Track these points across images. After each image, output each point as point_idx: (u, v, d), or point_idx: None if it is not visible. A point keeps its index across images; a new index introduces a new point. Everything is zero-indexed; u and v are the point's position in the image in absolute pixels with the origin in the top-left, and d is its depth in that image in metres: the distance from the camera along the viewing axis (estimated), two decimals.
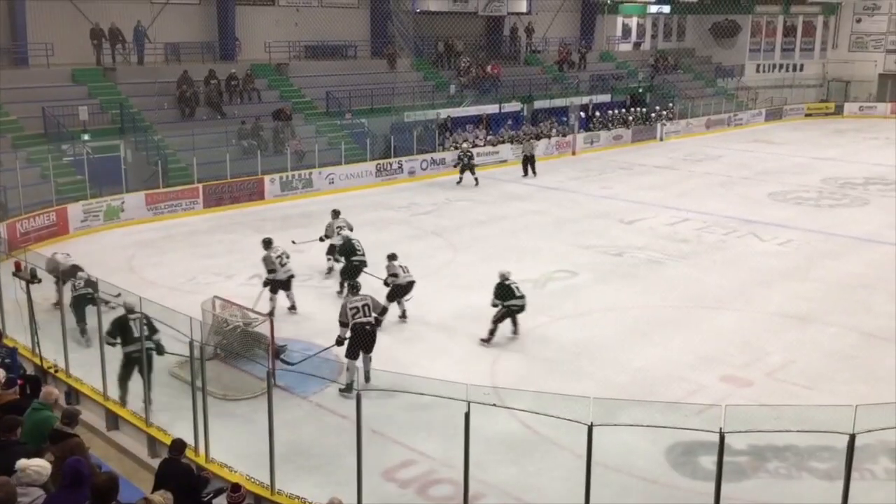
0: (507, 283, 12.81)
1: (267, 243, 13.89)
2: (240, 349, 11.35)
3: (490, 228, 20.07)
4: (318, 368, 11.14)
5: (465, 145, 27.24)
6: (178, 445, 7.58)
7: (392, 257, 13.78)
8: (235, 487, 6.96)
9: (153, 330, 9.98)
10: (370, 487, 8.00)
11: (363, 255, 14.68)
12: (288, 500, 8.25)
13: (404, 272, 13.55)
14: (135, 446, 9.76)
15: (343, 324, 11.10)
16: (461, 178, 25.86)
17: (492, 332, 12.57)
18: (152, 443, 9.56)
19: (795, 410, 7.70)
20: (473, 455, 7.24)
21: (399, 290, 13.50)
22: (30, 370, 10.81)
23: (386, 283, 13.49)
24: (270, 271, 13.52)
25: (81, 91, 23.52)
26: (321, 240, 16.23)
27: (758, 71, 45.09)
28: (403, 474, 9.02)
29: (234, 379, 10.97)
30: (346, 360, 10.99)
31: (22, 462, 5.72)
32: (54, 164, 19.69)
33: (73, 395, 10.70)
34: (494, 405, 7.27)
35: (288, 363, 10.63)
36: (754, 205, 22.64)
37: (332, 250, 15.76)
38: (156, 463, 8.77)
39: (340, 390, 10.55)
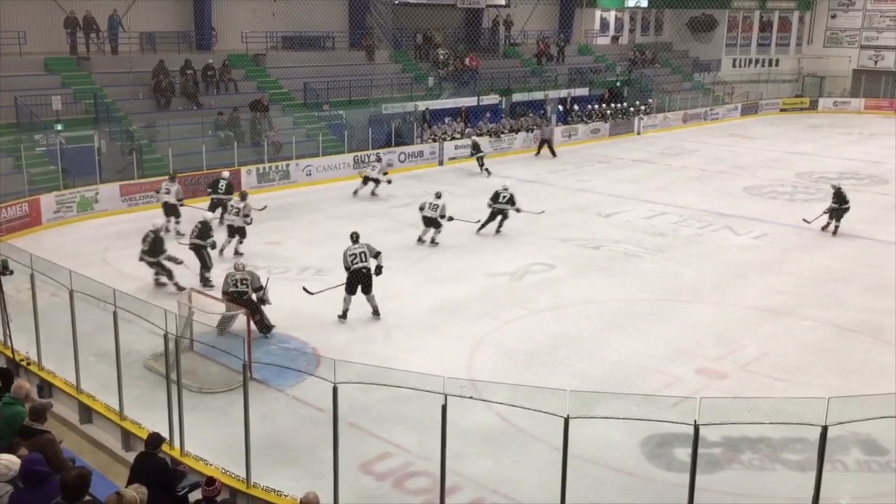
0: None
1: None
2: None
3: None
4: (295, 361, 11.11)
5: (474, 138, 27.51)
6: (155, 440, 7.52)
7: (354, 238, 13.69)
8: (210, 481, 6.92)
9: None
10: (347, 480, 7.99)
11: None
12: (264, 493, 8.22)
13: (361, 259, 13.30)
14: (108, 440, 9.68)
15: (346, 268, 13.11)
16: (484, 169, 26.33)
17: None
18: (126, 436, 9.49)
19: (769, 403, 7.78)
20: (450, 448, 7.25)
21: (351, 280, 13.36)
22: (1, 363, 10.69)
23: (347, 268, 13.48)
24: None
25: (55, 80, 23.20)
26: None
27: (734, 66, 45.41)
28: (380, 467, 9.01)
29: (209, 372, 10.89)
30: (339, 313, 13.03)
31: None
32: (27, 155, 19.40)
33: (45, 388, 10.59)
34: (471, 398, 7.29)
35: (310, 292, 13.04)
36: (730, 199, 22.83)
37: None
38: (130, 457, 8.71)
39: (339, 316, 13.05)
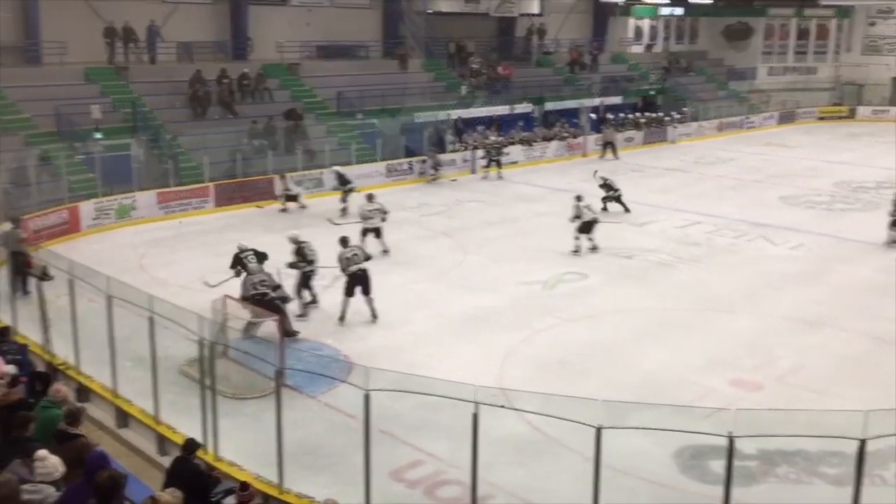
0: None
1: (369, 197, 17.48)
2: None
3: (500, 230, 20.05)
4: (327, 368, 11.16)
5: (492, 138, 27.60)
6: (191, 445, 7.62)
7: (344, 241, 13.78)
8: (244, 486, 6.99)
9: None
10: (378, 487, 8.00)
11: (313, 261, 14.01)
12: (296, 499, 8.27)
13: (356, 261, 13.45)
14: (144, 444, 9.80)
15: (342, 271, 13.33)
16: (487, 174, 26.84)
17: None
18: (161, 441, 9.60)
19: (806, 415, 7.68)
20: (482, 456, 7.24)
21: (350, 283, 13.44)
22: (41, 367, 10.87)
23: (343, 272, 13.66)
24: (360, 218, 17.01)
25: (94, 90, 23.63)
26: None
27: (770, 74, 44.88)
28: (411, 475, 9.02)
29: (243, 378, 10.99)
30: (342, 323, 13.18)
31: (42, 452, 5.73)
32: (67, 163, 19.77)
33: (83, 392, 10.76)
34: (503, 407, 7.27)
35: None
36: (766, 208, 22.54)
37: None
38: (165, 461, 8.82)
39: (339, 319, 13.26)
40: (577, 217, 17.51)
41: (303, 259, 13.76)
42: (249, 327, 11.72)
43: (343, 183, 21.74)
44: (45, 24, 23.75)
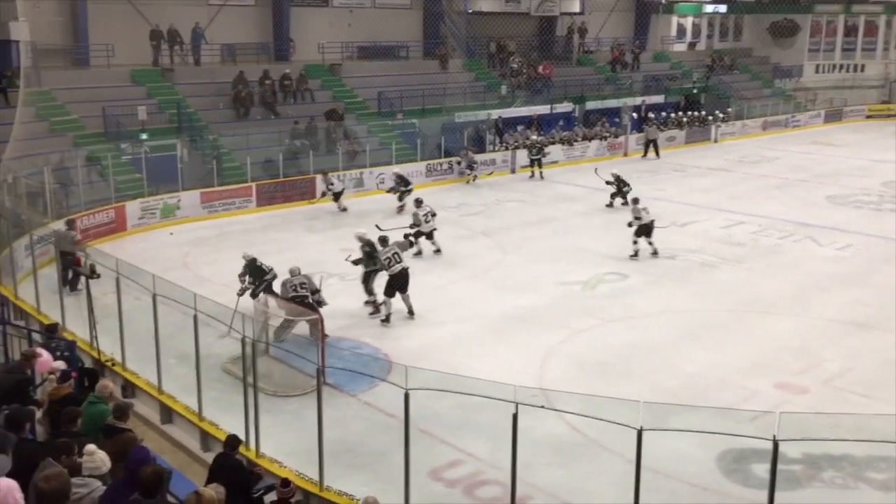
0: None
1: (417, 202, 17.78)
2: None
3: (540, 229, 19.97)
4: (367, 366, 11.22)
5: (534, 138, 27.57)
6: (233, 441, 7.72)
7: (383, 241, 13.79)
8: (285, 483, 7.05)
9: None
10: (417, 486, 8.02)
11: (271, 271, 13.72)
12: (336, 496, 8.32)
13: (397, 260, 13.49)
14: (188, 440, 9.95)
15: (383, 270, 13.51)
16: (533, 173, 26.81)
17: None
18: (204, 437, 9.73)
19: (852, 419, 7.52)
20: (521, 457, 7.21)
21: (392, 282, 13.47)
22: (88, 363, 11.10)
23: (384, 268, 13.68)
24: (415, 225, 16.94)
25: (140, 91, 24.06)
26: (409, 238, 16.54)
27: (817, 71, 44.06)
28: (451, 474, 9.02)
29: (284, 376, 11.10)
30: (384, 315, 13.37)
31: (91, 446, 5.85)
32: (113, 163, 20.16)
33: (129, 388, 10.96)
34: (543, 407, 7.24)
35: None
36: (812, 208, 22.13)
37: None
38: (208, 457, 8.94)
39: (382, 321, 13.32)
40: (637, 219, 17.12)
41: (370, 258, 13.81)
42: (281, 331, 11.77)
43: (404, 184, 21.82)
44: (93, 27, 24.24)
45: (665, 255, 17.49)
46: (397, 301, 13.53)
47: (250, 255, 13.76)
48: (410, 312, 13.58)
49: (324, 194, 22.41)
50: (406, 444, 7.62)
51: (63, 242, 14.53)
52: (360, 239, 14.13)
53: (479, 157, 26.79)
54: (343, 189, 22.39)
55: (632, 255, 17.05)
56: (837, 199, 23.29)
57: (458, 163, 26.32)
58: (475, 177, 26.08)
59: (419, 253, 17.21)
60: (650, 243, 17.18)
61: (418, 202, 17.91)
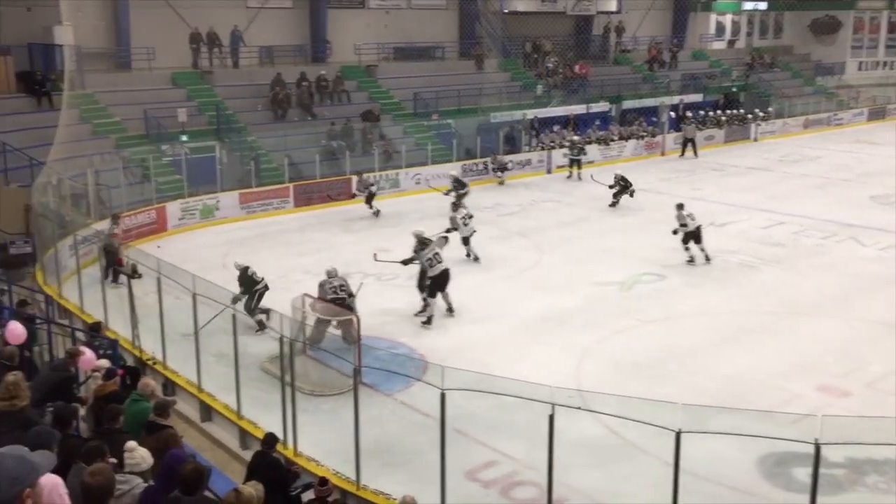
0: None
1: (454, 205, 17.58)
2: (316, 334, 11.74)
3: (576, 230, 19.88)
4: (403, 366, 11.27)
5: (574, 138, 27.41)
6: (271, 440, 7.79)
7: (423, 243, 13.74)
8: (323, 481, 7.11)
9: None
10: (453, 486, 8.04)
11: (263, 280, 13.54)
12: (373, 495, 8.37)
13: (438, 261, 13.47)
14: (227, 438, 10.08)
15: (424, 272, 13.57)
16: (571, 173, 26.64)
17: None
18: (243, 435, 9.85)
19: None
20: (557, 458, 7.19)
21: (435, 283, 13.45)
22: (130, 362, 11.29)
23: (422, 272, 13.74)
24: (452, 229, 16.43)
25: (181, 93, 24.42)
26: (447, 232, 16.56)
27: (860, 69, 43.22)
28: (486, 475, 9.03)
29: (321, 375, 11.19)
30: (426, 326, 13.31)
31: (131, 443, 5.95)
32: (155, 164, 20.49)
33: (169, 386, 11.13)
34: (579, 408, 7.21)
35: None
36: (855, 208, 21.72)
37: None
38: (247, 455, 9.04)
39: (423, 322, 13.26)
40: (683, 226, 16.61)
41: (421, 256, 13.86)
42: (317, 333, 11.80)
43: (461, 186, 21.44)
44: (135, 30, 24.66)
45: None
46: (437, 300, 13.56)
47: (242, 263, 13.62)
48: (450, 310, 13.63)
49: (354, 195, 22.00)
50: (442, 444, 7.64)
51: (105, 237, 15.27)
52: (417, 237, 14.19)
53: (508, 158, 26.56)
54: (375, 192, 21.99)
55: (688, 261, 16.60)
56: (881, 199, 22.81)
57: (485, 165, 26.07)
58: (502, 180, 25.77)
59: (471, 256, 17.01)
60: (702, 249, 16.69)
61: (455, 205, 17.77)
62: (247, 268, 13.47)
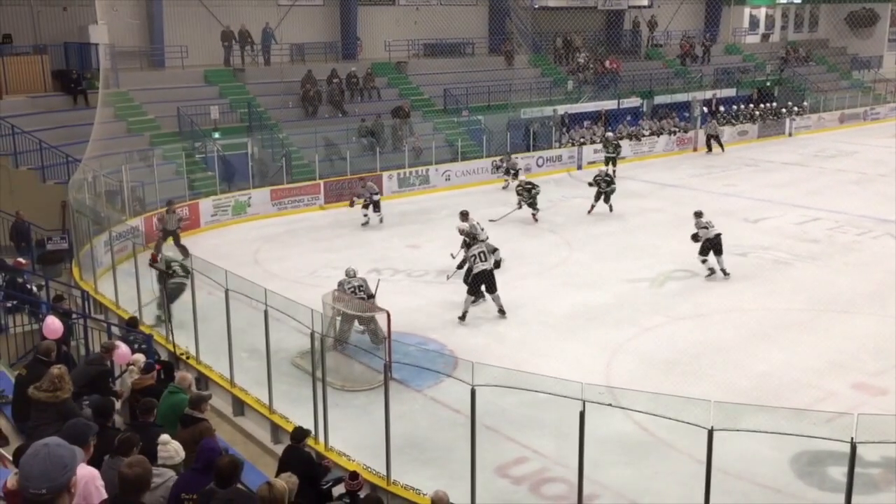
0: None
1: (464, 215, 15.84)
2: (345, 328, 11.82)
3: (607, 226, 19.77)
4: (433, 362, 11.30)
5: (609, 135, 27.21)
6: (299, 434, 7.85)
7: (473, 240, 13.70)
8: (353, 475, 7.15)
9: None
10: (483, 482, 8.05)
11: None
12: (403, 490, 8.40)
13: (482, 259, 13.33)
14: (259, 432, 10.17)
15: (468, 270, 13.41)
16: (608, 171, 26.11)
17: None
18: (275, 429, 9.94)
19: None
20: (588, 455, 7.17)
21: (479, 279, 13.32)
22: (164, 356, 11.45)
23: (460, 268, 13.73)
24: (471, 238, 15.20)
25: (213, 91, 24.65)
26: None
27: None
28: (516, 471, 9.02)
29: (352, 371, 11.26)
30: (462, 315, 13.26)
31: (165, 436, 6.05)
32: (188, 161, 20.71)
33: (202, 381, 11.26)
34: (610, 405, 7.18)
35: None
36: (892, 203, 21.28)
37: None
38: (278, 449, 9.13)
39: (461, 317, 13.18)
40: (699, 236, 15.51)
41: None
42: (341, 337, 11.79)
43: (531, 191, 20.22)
44: (168, 29, 24.95)
45: (736, 251, 17.07)
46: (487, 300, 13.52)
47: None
48: (501, 312, 13.46)
49: (352, 203, 20.62)
50: (472, 440, 7.65)
51: (169, 222, 16.98)
52: (463, 232, 14.30)
53: (521, 161, 25.32)
54: (377, 200, 20.29)
55: (708, 275, 15.43)
56: None
57: (498, 167, 24.66)
58: (508, 184, 23.76)
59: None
60: (720, 262, 15.39)
61: (464, 214, 15.97)
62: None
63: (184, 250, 16.46)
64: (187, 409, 7.25)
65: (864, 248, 17.45)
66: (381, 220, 20.11)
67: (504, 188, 23.96)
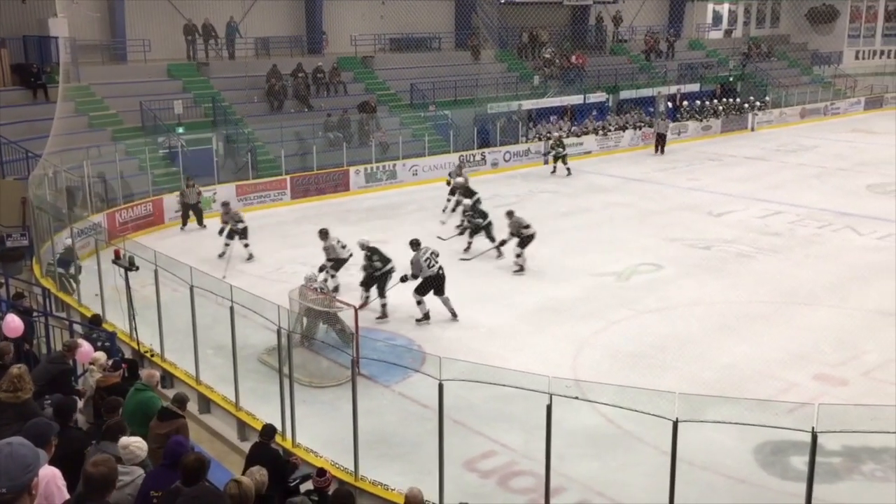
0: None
1: (323, 234, 14.66)
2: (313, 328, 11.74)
3: (573, 220, 19.89)
4: (401, 358, 11.28)
5: (556, 135, 27.20)
6: (269, 431, 7.80)
7: (415, 244, 13.41)
8: (321, 472, 7.12)
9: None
10: (451, 477, 8.07)
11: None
12: (371, 486, 8.40)
13: (429, 266, 13.14)
14: (225, 430, 10.10)
15: (418, 273, 13.14)
16: (555, 168, 26.12)
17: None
18: (242, 427, 9.87)
19: (893, 411, 7.38)
20: (555, 448, 7.22)
21: (429, 283, 13.21)
22: (127, 354, 11.29)
23: (403, 280, 13.29)
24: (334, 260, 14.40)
25: (176, 85, 24.34)
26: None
27: (857, 58, 43.23)
28: (485, 465, 9.05)
29: (319, 367, 11.21)
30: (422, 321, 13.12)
31: (124, 440, 5.98)
32: (151, 157, 20.43)
33: (167, 378, 11.13)
34: (577, 398, 7.22)
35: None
36: (851, 197, 21.76)
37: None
38: (245, 446, 9.07)
39: (417, 320, 13.03)
40: (515, 235, 15.72)
41: (380, 259, 13.61)
42: (309, 331, 11.72)
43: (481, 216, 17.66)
44: (130, 22, 24.57)
45: (700, 245, 17.34)
46: (440, 305, 13.40)
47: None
48: (454, 315, 13.25)
49: (222, 230, 16.84)
50: (440, 435, 7.67)
51: (189, 196, 19.05)
52: (363, 247, 13.68)
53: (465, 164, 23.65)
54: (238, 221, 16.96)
55: (516, 271, 15.59)
56: (878, 188, 22.86)
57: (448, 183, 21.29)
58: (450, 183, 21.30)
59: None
60: (518, 255, 15.55)
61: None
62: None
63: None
64: (169, 404, 7.30)
65: (825, 241, 17.77)
66: (250, 257, 16.68)
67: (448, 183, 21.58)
